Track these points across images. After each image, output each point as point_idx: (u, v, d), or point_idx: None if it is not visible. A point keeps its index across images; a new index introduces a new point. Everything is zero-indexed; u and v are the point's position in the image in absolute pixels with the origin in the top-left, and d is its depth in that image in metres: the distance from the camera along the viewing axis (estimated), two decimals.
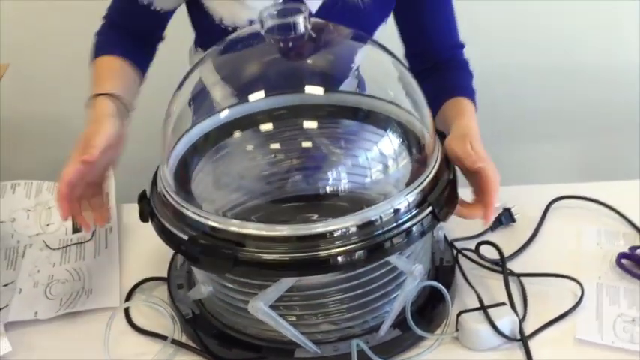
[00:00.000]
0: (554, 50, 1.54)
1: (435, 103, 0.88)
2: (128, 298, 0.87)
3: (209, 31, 0.94)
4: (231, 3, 0.92)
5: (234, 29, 0.91)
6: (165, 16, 0.98)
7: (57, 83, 1.45)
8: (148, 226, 0.96)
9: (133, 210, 1.01)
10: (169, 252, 0.89)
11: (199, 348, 0.77)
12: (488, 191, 0.76)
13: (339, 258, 0.67)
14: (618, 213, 0.95)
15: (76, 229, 1.01)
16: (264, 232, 0.66)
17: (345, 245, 0.67)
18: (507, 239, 0.91)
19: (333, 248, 0.66)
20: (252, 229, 0.67)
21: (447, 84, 0.93)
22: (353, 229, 0.68)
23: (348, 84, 0.89)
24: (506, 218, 0.95)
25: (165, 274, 0.87)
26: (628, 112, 1.57)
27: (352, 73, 0.88)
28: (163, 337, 0.79)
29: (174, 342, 0.78)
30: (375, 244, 0.68)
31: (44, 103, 1.45)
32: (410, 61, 0.99)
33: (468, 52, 1.00)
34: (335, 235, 0.67)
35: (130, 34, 0.96)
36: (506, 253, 0.87)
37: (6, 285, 0.91)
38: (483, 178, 0.77)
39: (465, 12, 1.02)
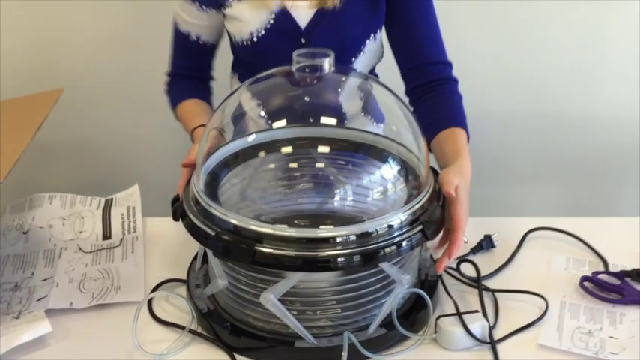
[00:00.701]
0: (539, 99, 1.69)
1: (432, 129, 1.03)
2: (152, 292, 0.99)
3: (234, 51, 1.18)
4: (236, 21, 1.13)
5: (245, 44, 1.11)
6: (212, 50, 1.20)
7: (85, 111, 1.60)
8: (169, 236, 1.10)
9: (155, 222, 1.16)
10: (188, 258, 1.02)
11: (212, 337, 0.89)
12: (456, 230, 0.89)
13: (339, 260, 0.80)
14: (586, 243, 1.08)
15: (105, 237, 1.14)
16: (278, 232, 0.80)
17: (344, 249, 0.80)
18: (486, 261, 1.04)
19: (333, 251, 0.80)
20: (268, 229, 0.80)
21: (444, 113, 1.08)
22: (352, 237, 0.81)
23: (361, 119, 1.03)
24: (486, 243, 1.08)
25: (183, 277, 0.99)
26: (606, 158, 1.71)
27: (363, 110, 1.02)
28: (181, 327, 0.91)
29: (191, 331, 0.90)
30: (370, 252, 0.81)
31: (75, 128, 1.60)
32: (405, 79, 1.15)
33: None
34: (337, 240, 0.80)
35: (190, 79, 1.20)
36: (484, 272, 1.00)
37: (44, 280, 1.03)
38: (455, 219, 0.89)
39: (456, 59, 1.18)
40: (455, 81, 1.15)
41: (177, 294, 0.95)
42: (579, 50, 1.65)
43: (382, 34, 1.19)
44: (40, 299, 0.98)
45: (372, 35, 1.15)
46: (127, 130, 1.69)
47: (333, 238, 0.80)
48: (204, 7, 1.14)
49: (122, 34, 1.64)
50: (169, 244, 1.11)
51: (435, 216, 0.86)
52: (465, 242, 0.93)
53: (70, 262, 1.07)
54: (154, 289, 1.00)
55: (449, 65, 1.15)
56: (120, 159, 1.67)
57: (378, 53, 1.20)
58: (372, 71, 1.23)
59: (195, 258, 1.02)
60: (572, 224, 1.12)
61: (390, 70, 1.22)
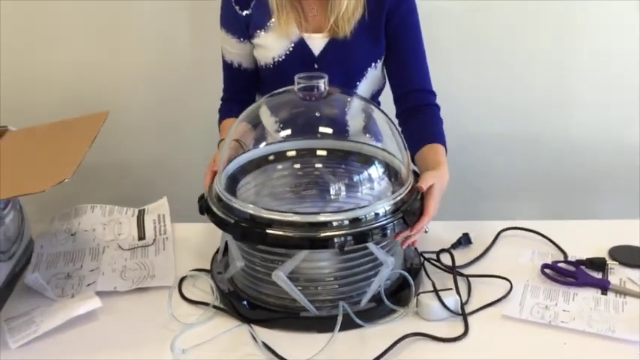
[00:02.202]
0: (518, 122, 1.87)
1: (417, 145, 1.24)
2: (180, 281, 1.18)
3: (259, 74, 1.41)
4: (261, 49, 1.36)
5: (268, 67, 1.34)
6: (252, 75, 1.42)
7: (121, 135, 1.82)
8: (194, 237, 1.31)
9: (183, 227, 1.35)
10: (210, 253, 1.22)
11: (233, 311, 1.08)
12: (423, 215, 1.07)
13: (335, 240, 0.99)
14: (549, 240, 1.26)
15: (140, 238, 1.34)
16: (285, 218, 1.00)
17: (340, 231, 0.99)
18: (464, 255, 1.23)
19: (331, 232, 0.99)
20: (277, 215, 1.00)
21: (426, 132, 1.29)
22: (346, 222, 1.00)
23: (355, 130, 1.23)
24: (464, 240, 1.26)
25: (207, 268, 1.18)
26: (578, 175, 1.90)
27: (357, 123, 1.22)
28: (206, 304, 1.10)
29: (215, 307, 1.09)
30: (360, 233, 1.00)
31: (112, 153, 1.82)
32: (396, 104, 1.36)
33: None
34: (334, 224, 1.00)
35: (235, 102, 1.43)
36: (462, 263, 1.19)
37: (91, 270, 1.22)
38: (424, 208, 1.08)
39: (442, 86, 1.39)
40: (437, 107, 1.36)
41: (203, 276, 1.14)
42: (551, 77, 1.83)
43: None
44: (89, 285, 1.18)
45: (373, 64, 1.36)
46: (155, 153, 1.91)
47: (331, 222, 1.00)
48: (240, 39, 1.37)
49: (151, 70, 1.86)
50: (194, 243, 1.30)
51: (414, 207, 1.06)
52: (426, 232, 1.11)
53: (112, 257, 1.27)
54: (183, 278, 1.19)
55: (433, 94, 1.37)
56: (149, 178, 1.88)
57: (378, 80, 1.40)
58: (374, 97, 1.43)
59: (217, 252, 1.21)
60: (539, 225, 1.30)
61: (384, 97, 1.44)
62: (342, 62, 1.32)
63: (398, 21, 1.33)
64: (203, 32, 1.78)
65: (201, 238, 1.31)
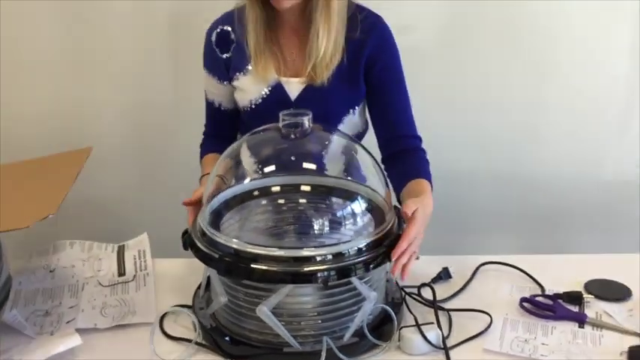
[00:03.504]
0: (494, 159, 1.93)
1: (402, 182, 1.25)
2: (162, 317, 1.17)
3: (239, 115, 1.43)
4: (240, 91, 1.38)
5: (245, 109, 1.36)
6: (232, 114, 1.44)
7: (101, 171, 1.82)
8: (175, 273, 1.30)
9: (163, 262, 1.35)
10: (192, 288, 1.21)
11: (215, 347, 1.08)
12: (402, 237, 1.07)
13: (319, 274, 1.00)
14: (527, 274, 1.29)
15: (120, 274, 1.33)
16: (269, 253, 1.00)
17: (323, 266, 1.00)
18: (444, 289, 1.24)
19: (315, 267, 1.00)
20: (262, 250, 1.01)
21: (411, 169, 1.30)
22: (329, 257, 1.01)
23: (338, 167, 1.25)
24: (445, 275, 1.28)
25: (188, 304, 1.18)
26: (554, 212, 1.95)
27: (339, 159, 1.24)
28: (188, 341, 1.10)
29: (197, 344, 1.09)
30: (343, 268, 1.01)
31: (90, 188, 1.81)
32: (381, 149, 1.37)
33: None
34: (317, 259, 1.01)
35: (216, 137, 1.45)
36: (442, 297, 1.20)
37: (71, 307, 1.21)
38: (404, 230, 1.09)
39: (423, 127, 1.42)
40: (423, 151, 1.38)
41: (185, 312, 1.14)
42: (525, 114, 1.89)
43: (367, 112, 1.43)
44: (68, 322, 1.16)
45: (350, 110, 1.38)
46: (134, 189, 1.90)
47: (314, 257, 1.01)
48: (221, 80, 1.39)
49: (131, 106, 1.87)
50: (176, 278, 1.30)
51: (395, 241, 1.07)
52: (417, 259, 1.11)
53: (92, 294, 1.26)
54: (164, 315, 1.18)
55: (419, 139, 1.38)
56: (130, 213, 1.88)
57: (356, 126, 1.41)
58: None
59: (198, 287, 1.21)
60: (517, 260, 1.33)
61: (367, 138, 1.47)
62: (319, 107, 1.29)
63: (381, 67, 1.34)
64: (185, 70, 1.79)
65: (182, 273, 1.31)
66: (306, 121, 1.11)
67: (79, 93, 1.84)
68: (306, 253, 1.01)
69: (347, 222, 1.11)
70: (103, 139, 1.84)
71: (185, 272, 1.31)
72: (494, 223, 1.94)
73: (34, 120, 1.86)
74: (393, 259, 1.05)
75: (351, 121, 1.39)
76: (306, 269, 1.00)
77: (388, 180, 1.28)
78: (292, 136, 1.11)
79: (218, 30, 1.37)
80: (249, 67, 1.35)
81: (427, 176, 1.30)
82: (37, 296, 1.25)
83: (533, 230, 1.94)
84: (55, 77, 1.83)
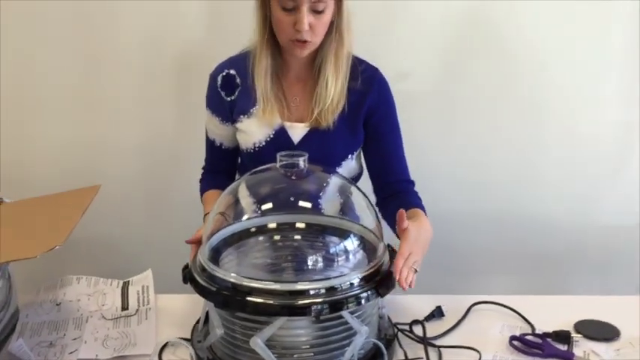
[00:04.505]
0: (489, 200, 1.98)
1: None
2: (161, 349, 1.21)
3: (240, 156, 1.50)
4: (243, 133, 1.44)
5: (248, 151, 1.42)
6: (232, 153, 1.51)
7: (107, 210, 1.88)
8: (177, 308, 1.34)
9: (165, 298, 1.39)
10: (191, 323, 1.25)
11: None
12: (396, 258, 1.13)
13: (312, 307, 1.04)
14: (518, 313, 1.32)
15: (124, 308, 1.37)
16: (264, 286, 1.05)
17: (316, 299, 1.05)
18: (436, 327, 1.27)
19: (308, 300, 1.04)
20: (258, 284, 1.05)
21: (405, 203, 1.36)
22: (322, 291, 1.06)
23: (334, 206, 1.29)
24: (437, 313, 1.31)
25: (187, 337, 1.22)
26: (546, 254, 1.98)
27: (335, 200, 1.29)
28: None
29: None
30: (335, 302, 1.05)
31: (97, 226, 1.87)
32: (376, 193, 1.44)
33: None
34: (311, 293, 1.05)
35: (216, 173, 1.52)
36: (434, 334, 1.24)
37: (74, 339, 1.26)
38: (399, 249, 1.14)
39: (417, 170, 1.47)
40: (416, 193, 1.44)
41: (184, 344, 1.18)
42: (519, 158, 1.94)
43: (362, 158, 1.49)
44: (71, 352, 1.21)
45: (349, 155, 1.45)
46: (140, 227, 1.96)
47: (308, 290, 1.05)
48: (223, 121, 1.46)
49: (137, 148, 1.94)
50: (177, 313, 1.34)
51: (386, 277, 1.11)
52: (416, 272, 1.14)
53: (95, 326, 1.30)
54: (163, 347, 1.22)
55: (412, 183, 1.46)
56: (134, 251, 1.93)
57: (353, 170, 1.48)
58: None
59: (197, 321, 1.25)
60: (509, 300, 1.36)
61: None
62: (320, 152, 1.38)
63: (379, 118, 1.43)
64: (189, 110, 1.86)
65: (183, 308, 1.35)
66: (302, 162, 1.17)
67: (86, 132, 1.91)
68: (300, 287, 1.06)
69: (340, 258, 1.15)
70: (109, 178, 1.90)
71: (186, 307, 1.35)
72: (491, 264, 1.97)
73: (43, 159, 1.93)
74: (396, 277, 1.10)
75: (349, 165, 1.45)
76: (299, 302, 1.04)
77: (384, 221, 1.33)
78: (290, 175, 1.17)
79: (224, 73, 1.45)
80: (254, 111, 1.42)
81: (420, 205, 1.37)
82: (42, 328, 1.29)
83: (530, 271, 1.97)
84: (61, 117, 1.90)
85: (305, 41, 1.31)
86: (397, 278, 1.10)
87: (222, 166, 1.52)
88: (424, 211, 1.36)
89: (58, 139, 1.92)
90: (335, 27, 1.35)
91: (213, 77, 1.46)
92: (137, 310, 1.35)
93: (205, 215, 1.39)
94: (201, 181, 1.55)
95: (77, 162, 1.92)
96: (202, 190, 1.52)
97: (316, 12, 1.30)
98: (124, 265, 1.59)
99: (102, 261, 1.83)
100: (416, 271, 1.14)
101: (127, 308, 1.37)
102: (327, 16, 1.32)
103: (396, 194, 1.42)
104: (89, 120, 1.91)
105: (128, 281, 1.47)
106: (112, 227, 1.94)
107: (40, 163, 1.93)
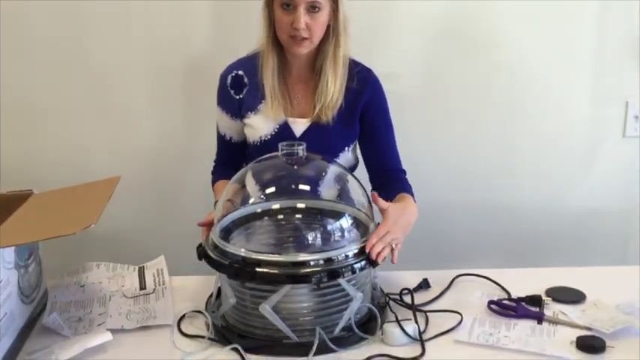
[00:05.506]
0: (473, 190, 2.13)
1: (389, 200, 1.44)
2: (179, 320, 1.36)
3: (247, 148, 1.64)
4: (251, 128, 1.59)
5: (255, 144, 1.57)
6: (241, 146, 1.65)
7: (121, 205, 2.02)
8: (190, 286, 1.48)
9: (179, 279, 1.54)
10: (204, 300, 1.40)
11: (224, 342, 1.26)
12: (371, 236, 1.27)
13: (313, 276, 1.19)
14: (496, 283, 1.47)
15: (142, 288, 1.52)
16: (271, 259, 1.21)
17: (316, 269, 1.20)
18: (423, 296, 1.43)
19: (309, 269, 1.20)
20: (265, 257, 1.21)
21: (396, 189, 1.51)
22: (321, 262, 1.21)
23: (333, 189, 1.44)
24: (424, 284, 1.47)
25: (201, 309, 1.37)
26: (527, 238, 2.15)
27: (333, 185, 1.44)
28: (202, 337, 1.28)
29: (209, 339, 1.27)
30: (333, 270, 1.21)
31: (113, 218, 2.01)
32: (371, 180, 1.60)
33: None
34: (311, 263, 1.21)
35: (226, 166, 1.65)
36: (421, 302, 1.39)
37: (100, 314, 1.40)
38: (375, 230, 1.30)
39: (407, 161, 1.63)
40: (407, 181, 1.59)
41: (200, 313, 1.33)
42: (499, 153, 2.11)
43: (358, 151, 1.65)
44: (99, 325, 1.35)
45: (346, 147, 1.60)
46: (152, 218, 2.11)
47: (309, 261, 1.21)
48: (233, 117, 1.62)
49: (149, 152, 2.08)
50: (190, 291, 1.49)
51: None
52: (393, 249, 1.30)
53: (118, 304, 1.45)
54: (181, 318, 1.37)
55: (403, 172, 1.62)
56: (147, 242, 2.06)
57: (349, 161, 1.63)
58: None
59: (210, 296, 1.40)
60: (489, 273, 1.52)
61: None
62: (320, 144, 1.52)
63: (373, 113, 1.59)
64: (198, 109, 2.02)
65: (196, 287, 1.50)
66: (300, 150, 1.32)
67: (100, 135, 2.04)
68: (301, 258, 1.21)
69: (336, 235, 1.31)
70: (122, 177, 2.04)
71: (198, 286, 1.50)
72: (475, 247, 2.13)
73: (64, 166, 2.05)
74: (367, 250, 1.25)
75: (345, 157, 1.60)
76: (302, 272, 1.20)
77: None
78: (290, 163, 1.32)
79: (233, 74, 1.60)
80: (260, 107, 1.57)
81: (409, 191, 1.53)
82: (70, 307, 1.44)
83: (510, 253, 2.12)
84: (74, 121, 2.03)
85: (302, 39, 1.46)
86: (367, 250, 1.25)
87: (232, 158, 1.67)
88: (412, 195, 1.52)
89: (72, 142, 2.05)
90: (332, 30, 1.51)
91: (223, 77, 1.62)
92: (154, 289, 1.50)
93: (216, 202, 1.54)
94: (213, 172, 1.70)
95: (92, 164, 2.05)
96: (214, 181, 1.67)
97: (312, 12, 1.45)
98: (136, 256, 1.72)
99: (117, 252, 1.97)
100: (393, 248, 1.29)
101: (145, 288, 1.52)
102: (323, 17, 1.47)
103: (389, 181, 1.57)
104: (102, 123, 2.04)
105: (143, 266, 1.61)
106: (124, 221, 2.08)
107: (56, 164, 2.06)
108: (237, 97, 1.60)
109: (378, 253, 1.25)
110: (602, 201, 2.14)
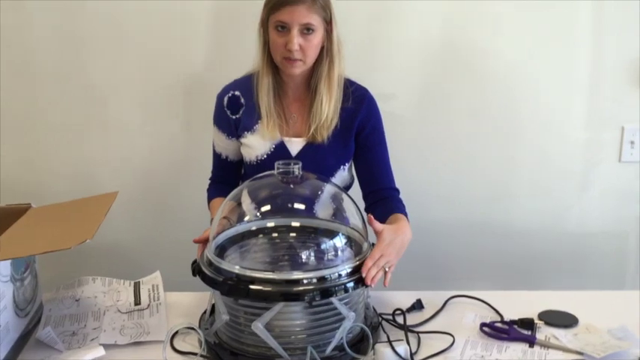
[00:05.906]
0: (467, 209, 2.14)
1: (382, 220, 1.45)
2: (172, 336, 1.36)
3: (243, 167, 1.65)
4: (247, 147, 1.60)
5: (251, 163, 1.58)
6: (237, 165, 1.67)
7: (117, 221, 2.03)
8: (184, 303, 1.49)
9: (174, 295, 1.55)
10: (197, 316, 1.41)
11: (216, 359, 1.26)
12: (367, 259, 1.28)
13: (305, 294, 1.20)
14: (489, 305, 1.48)
15: (136, 303, 1.53)
16: (265, 276, 1.21)
17: (309, 287, 1.21)
18: (416, 317, 1.43)
19: (302, 287, 1.20)
20: (258, 274, 1.22)
21: (389, 209, 1.53)
22: (314, 280, 1.22)
23: (327, 208, 1.45)
24: (417, 305, 1.47)
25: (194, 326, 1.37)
26: (521, 260, 2.15)
27: (328, 204, 1.44)
28: (194, 354, 1.29)
29: (202, 356, 1.28)
30: (325, 289, 1.21)
31: (109, 235, 2.02)
32: (365, 199, 1.61)
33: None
34: (304, 282, 1.21)
35: (222, 184, 1.67)
36: (413, 323, 1.39)
37: (94, 329, 1.41)
38: (370, 253, 1.30)
39: (400, 180, 1.64)
40: (401, 200, 1.61)
41: (193, 330, 1.33)
42: (495, 173, 2.12)
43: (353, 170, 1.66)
44: (92, 339, 1.36)
45: (341, 166, 1.62)
46: (148, 235, 2.12)
47: (302, 280, 1.21)
48: (229, 136, 1.64)
49: (144, 165, 2.10)
50: (184, 307, 1.50)
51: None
52: (386, 272, 1.31)
53: (112, 318, 1.45)
54: (174, 335, 1.37)
55: (397, 191, 1.63)
56: (143, 257, 2.08)
57: (344, 180, 1.65)
58: None
59: (204, 312, 1.41)
60: (482, 294, 1.52)
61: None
62: (316, 163, 1.54)
63: (368, 132, 1.60)
64: (194, 127, 2.04)
65: (190, 303, 1.51)
66: (296, 169, 1.34)
67: (97, 151, 2.06)
68: (295, 276, 1.22)
69: (330, 254, 1.32)
70: (120, 192, 2.06)
71: (192, 302, 1.51)
72: (469, 269, 2.13)
73: (60, 177, 2.08)
74: (363, 274, 1.26)
75: (341, 175, 1.62)
76: (294, 289, 1.20)
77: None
78: (286, 182, 1.34)
79: (229, 95, 1.62)
80: (257, 127, 1.59)
81: (403, 211, 1.54)
82: (64, 320, 1.45)
83: (504, 276, 2.13)
84: (74, 135, 2.05)
85: (296, 60, 1.48)
86: (363, 274, 1.26)
87: (228, 176, 1.68)
88: (406, 215, 1.53)
89: (70, 155, 2.07)
90: (326, 51, 1.53)
91: (219, 98, 1.64)
92: (149, 305, 1.51)
93: (212, 220, 1.55)
94: (208, 190, 1.71)
95: (91, 177, 2.07)
96: (209, 199, 1.69)
97: (306, 34, 1.47)
98: (132, 271, 1.73)
99: (112, 267, 1.98)
100: (386, 271, 1.31)
101: (140, 303, 1.52)
102: (317, 39, 1.50)
103: (383, 200, 1.59)
104: (101, 137, 2.06)
105: (139, 281, 1.62)
106: (121, 236, 2.09)
107: (55, 177, 2.08)
108: (234, 117, 1.62)
109: (372, 278, 1.26)
110: (598, 224, 2.14)
